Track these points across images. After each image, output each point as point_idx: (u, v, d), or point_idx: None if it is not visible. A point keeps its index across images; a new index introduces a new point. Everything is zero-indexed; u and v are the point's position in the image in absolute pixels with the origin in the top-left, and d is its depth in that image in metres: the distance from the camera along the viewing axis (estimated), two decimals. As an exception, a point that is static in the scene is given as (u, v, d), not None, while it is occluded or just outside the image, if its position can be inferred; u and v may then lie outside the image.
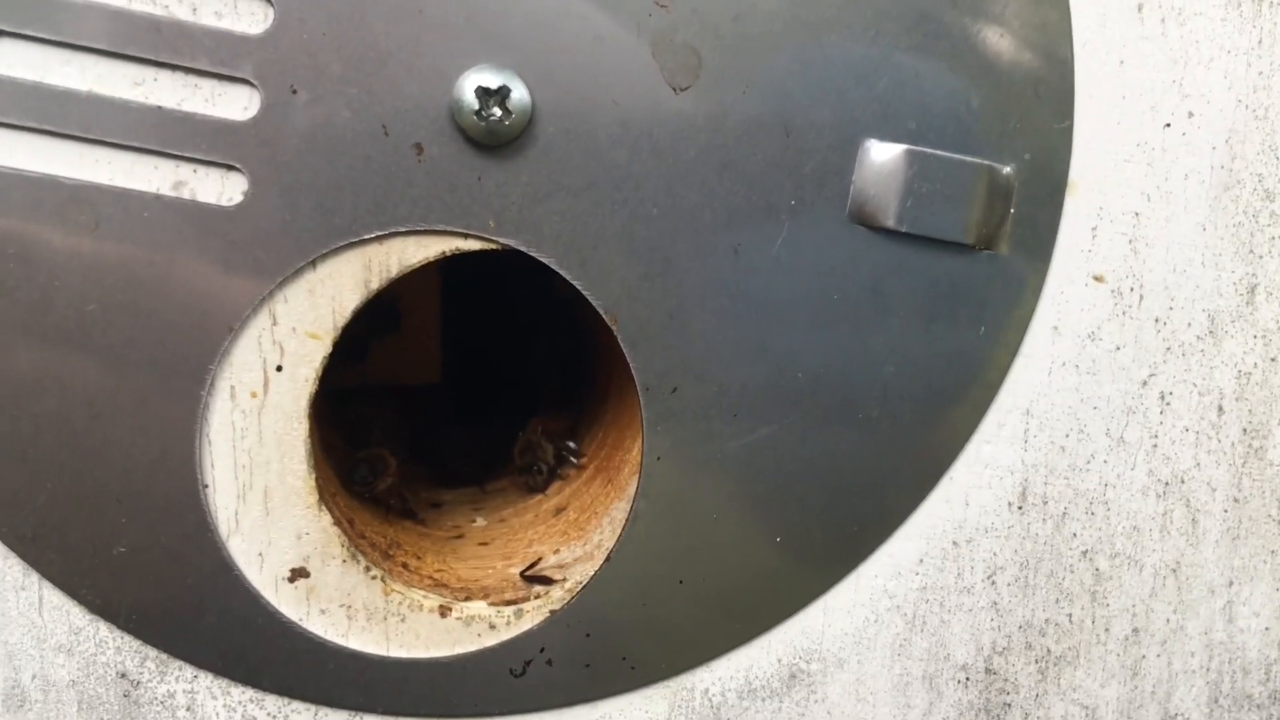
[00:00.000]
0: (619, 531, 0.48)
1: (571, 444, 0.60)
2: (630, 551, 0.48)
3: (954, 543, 0.51)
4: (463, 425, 0.71)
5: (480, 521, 0.58)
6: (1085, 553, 0.51)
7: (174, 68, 0.41)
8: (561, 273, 0.45)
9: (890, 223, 0.46)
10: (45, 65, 0.40)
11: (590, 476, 0.58)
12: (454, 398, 0.74)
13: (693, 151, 0.45)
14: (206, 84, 0.41)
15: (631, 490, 0.51)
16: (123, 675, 0.46)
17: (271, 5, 0.41)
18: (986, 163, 0.46)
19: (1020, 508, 0.51)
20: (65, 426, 0.42)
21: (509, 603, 0.48)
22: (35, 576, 0.44)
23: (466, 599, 0.48)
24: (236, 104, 0.42)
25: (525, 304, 0.74)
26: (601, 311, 0.46)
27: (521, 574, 0.51)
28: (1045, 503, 0.51)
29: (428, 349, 0.69)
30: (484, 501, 0.61)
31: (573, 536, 0.53)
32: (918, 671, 0.51)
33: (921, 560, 0.51)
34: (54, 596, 0.44)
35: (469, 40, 0.42)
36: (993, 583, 0.51)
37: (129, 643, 0.45)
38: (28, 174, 0.41)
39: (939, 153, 0.46)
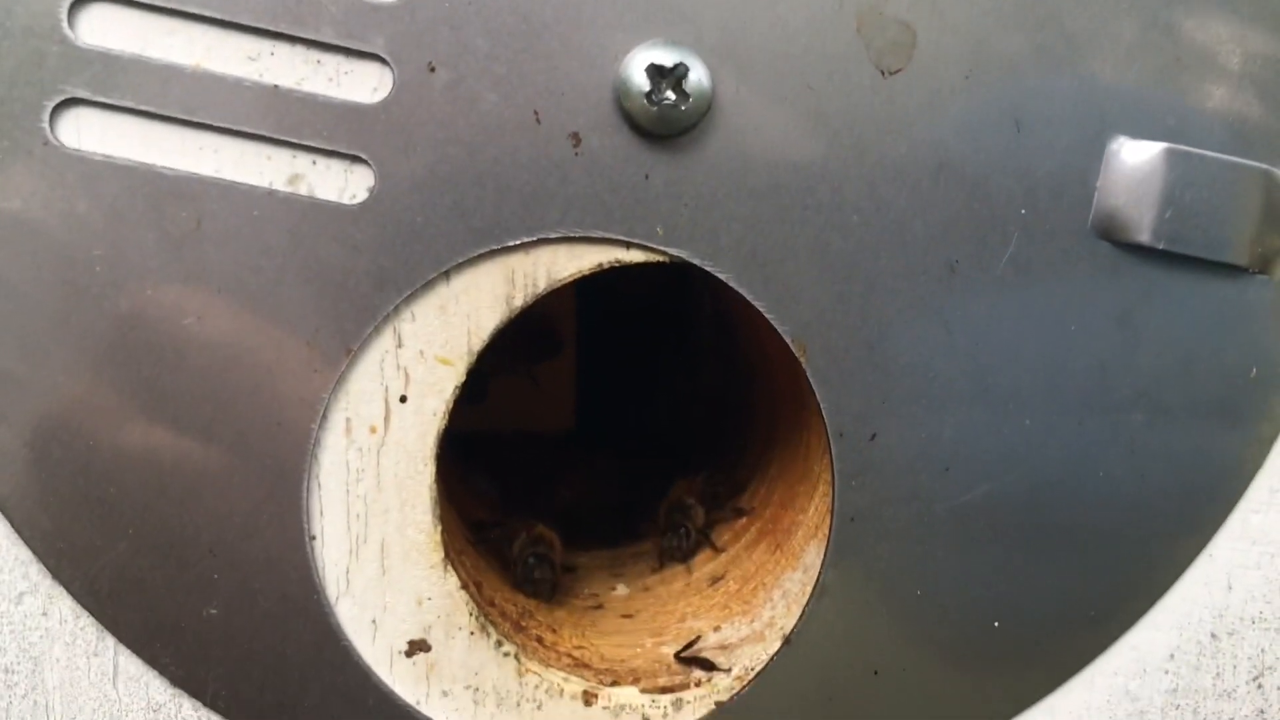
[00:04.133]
0: (798, 608, 0.40)
1: (730, 505, 0.52)
2: (814, 633, 0.40)
3: (1213, 635, 0.42)
4: (597, 479, 0.63)
5: (621, 590, 0.50)
6: (1376, 653, 0.42)
7: (294, 40, 0.35)
8: (741, 291, 0.38)
9: (1145, 238, 0.39)
10: (146, 36, 0.35)
11: (753, 540, 0.49)
12: (586, 446, 0.66)
13: (903, 148, 0.38)
14: (331, 60, 0.35)
15: (808, 558, 0.44)
16: (208, 762, 0.39)
17: (410, -34, 0.35)
18: (1264, 166, 0.39)
19: (1295, 594, 0.41)
20: (151, 464, 0.36)
21: (664, 690, 0.41)
22: (110, 641, 0.37)
23: (613, 684, 0.41)
24: (365, 84, 0.35)
25: (657, 331, 0.66)
26: (788, 339, 0.38)
27: (676, 655, 0.43)
28: (1327, 589, 0.41)
29: (561, 390, 0.61)
30: (623, 567, 0.53)
31: (735, 611, 0.45)
32: (1166, 795, 0.42)
33: (1173, 656, 0.42)
34: (131, 665, 0.38)
35: (639, 11, 0.36)
36: (1259, 686, 0.42)
37: (216, 724, 0.38)
38: (121, 162, 0.35)
39: (1206, 153, 0.39)
